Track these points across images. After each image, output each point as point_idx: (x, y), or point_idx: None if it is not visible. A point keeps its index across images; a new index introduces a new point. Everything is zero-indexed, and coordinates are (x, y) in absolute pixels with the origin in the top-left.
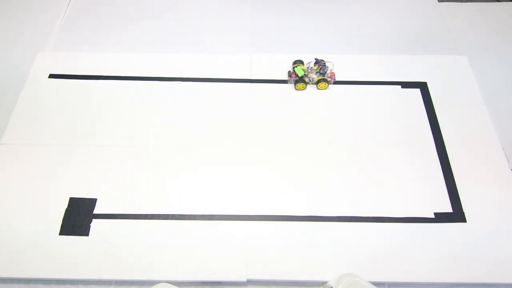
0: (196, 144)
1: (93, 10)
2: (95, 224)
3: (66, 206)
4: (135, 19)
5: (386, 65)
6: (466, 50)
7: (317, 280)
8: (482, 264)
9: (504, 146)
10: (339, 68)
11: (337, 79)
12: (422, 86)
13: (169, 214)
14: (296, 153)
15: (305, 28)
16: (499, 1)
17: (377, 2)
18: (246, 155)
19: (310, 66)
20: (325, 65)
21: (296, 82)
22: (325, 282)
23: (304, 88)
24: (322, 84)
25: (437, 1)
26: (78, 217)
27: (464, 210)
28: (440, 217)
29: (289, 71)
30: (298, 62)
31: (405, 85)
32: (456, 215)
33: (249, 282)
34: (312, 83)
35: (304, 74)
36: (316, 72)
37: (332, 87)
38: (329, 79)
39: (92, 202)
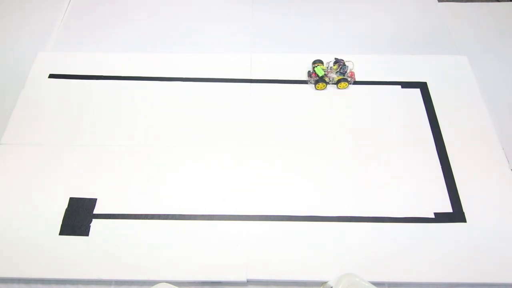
0: (196, 144)
1: (93, 10)
2: (95, 224)
3: (66, 206)
4: (135, 19)
5: (386, 65)
6: (466, 50)
7: (317, 280)
8: (482, 264)
9: (504, 146)
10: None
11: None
12: (422, 86)
13: (169, 214)
14: (296, 153)
15: (305, 28)
16: (499, 1)
17: (377, 2)
18: (246, 155)
19: (330, 65)
20: (345, 65)
21: (316, 82)
22: (325, 282)
23: (324, 88)
24: (342, 84)
25: (437, 1)
26: (78, 217)
27: (464, 210)
28: (440, 217)
29: (308, 71)
30: (318, 62)
31: (405, 85)
32: (456, 215)
33: (249, 282)
34: (332, 83)
35: (324, 74)
36: (336, 72)
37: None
38: (349, 79)
39: (92, 202)
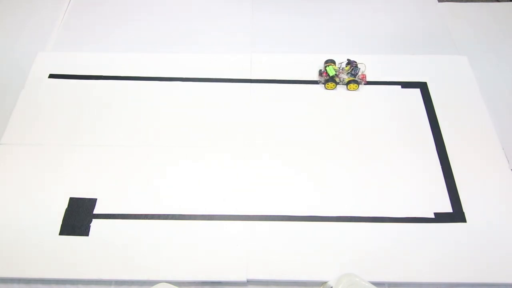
0: (196, 144)
1: (93, 10)
2: (95, 224)
3: (66, 206)
4: (135, 19)
5: (386, 65)
6: (466, 50)
7: (317, 280)
8: (482, 264)
9: (504, 146)
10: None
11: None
12: (422, 86)
13: (169, 214)
14: (296, 153)
15: (305, 28)
16: (499, 1)
17: (377, 2)
18: (246, 155)
19: (342, 66)
20: (357, 67)
21: (326, 82)
22: (325, 282)
23: (334, 88)
24: (352, 85)
25: (437, 1)
26: (78, 217)
27: (464, 210)
28: (440, 217)
29: (320, 70)
30: (330, 62)
31: (405, 85)
32: (456, 215)
33: (249, 282)
34: (342, 84)
35: (335, 74)
36: (348, 73)
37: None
38: (359, 81)
39: (92, 202)
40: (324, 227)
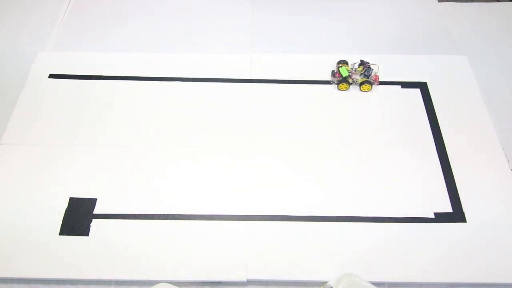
0: (196, 144)
1: (93, 10)
2: (95, 224)
3: (66, 206)
4: (135, 19)
5: (386, 65)
6: (466, 50)
7: (317, 280)
8: (482, 264)
9: (504, 146)
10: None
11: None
12: (422, 86)
13: (169, 214)
14: (296, 153)
15: (305, 28)
16: (499, 1)
17: (377, 2)
18: (246, 155)
19: (355, 67)
20: (370, 67)
21: (339, 82)
22: (325, 282)
23: (347, 89)
24: (365, 86)
25: (437, 1)
26: (78, 217)
27: (464, 210)
28: (440, 217)
29: (332, 71)
30: (343, 62)
31: (405, 85)
32: (456, 215)
33: (249, 282)
34: (355, 84)
35: (349, 75)
36: (361, 74)
37: (331, 86)
38: (373, 81)
39: (92, 202)
40: (324, 227)
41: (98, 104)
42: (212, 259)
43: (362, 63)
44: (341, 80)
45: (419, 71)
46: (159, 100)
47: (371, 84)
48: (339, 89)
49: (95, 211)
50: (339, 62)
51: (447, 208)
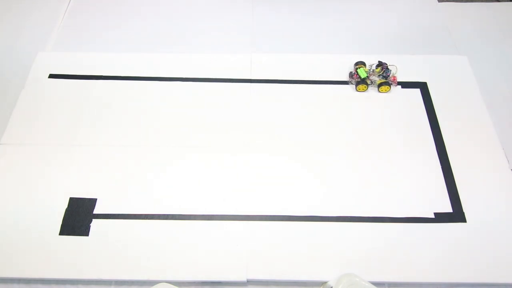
0: (196, 144)
1: (93, 10)
2: (95, 224)
3: (66, 206)
4: (135, 19)
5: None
6: (466, 50)
7: (317, 280)
8: (482, 264)
9: (504, 146)
10: (339, 68)
11: (337, 79)
12: (422, 86)
13: (169, 214)
14: (296, 153)
15: (305, 28)
16: (499, 1)
17: (377, 2)
18: (246, 155)
19: (372, 68)
20: (388, 68)
21: (357, 84)
22: (325, 282)
23: (365, 90)
24: (384, 88)
25: (437, 1)
26: (78, 217)
27: (464, 210)
28: (440, 217)
29: (350, 72)
30: (360, 64)
31: (405, 85)
32: (456, 215)
33: (249, 282)
34: (374, 86)
35: (367, 76)
36: (379, 75)
37: (331, 86)
38: (391, 82)
39: (92, 202)
40: (324, 227)
41: (98, 104)
42: (212, 259)
43: (380, 64)
44: (359, 81)
45: (419, 71)
46: (159, 100)
47: (389, 85)
48: (357, 90)
49: (95, 211)
50: (356, 63)
51: (447, 208)
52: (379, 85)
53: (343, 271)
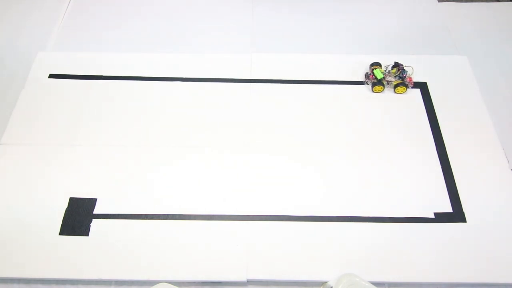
0: (196, 144)
1: (93, 10)
2: (95, 224)
3: (66, 206)
4: (135, 19)
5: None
6: (466, 50)
7: (317, 280)
8: (482, 264)
9: (504, 146)
10: (338, 68)
11: (337, 79)
12: (422, 86)
13: (169, 214)
14: (296, 153)
15: (305, 28)
16: (499, 1)
17: (377, 2)
18: (246, 155)
19: (388, 69)
20: (404, 69)
21: (374, 85)
22: (325, 282)
23: (382, 91)
24: (400, 88)
25: (437, 1)
26: (78, 217)
27: (464, 210)
28: (440, 217)
29: (366, 73)
30: (376, 65)
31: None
32: (456, 215)
33: (249, 282)
34: (390, 87)
35: (383, 77)
36: (395, 76)
37: (331, 86)
38: (407, 83)
39: (92, 202)
40: (324, 227)
41: (98, 104)
42: (212, 259)
43: (397, 65)
44: (375, 82)
45: (419, 71)
46: (159, 100)
47: (406, 86)
48: (374, 91)
49: (95, 211)
50: (372, 64)
51: (447, 208)
52: (395, 86)
53: (343, 271)
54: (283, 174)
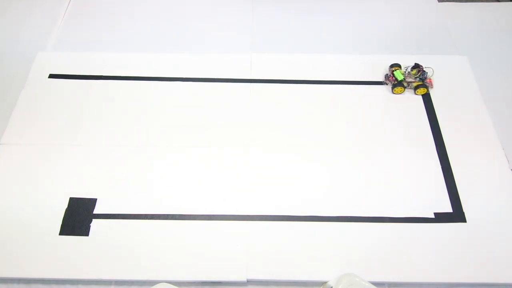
0: (196, 144)
1: (93, 10)
2: (95, 224)
3: (66, 206)
4: (135, 19)
5: (386, 65)
6: (466, 50)
7: (317, 280)
8: (482, 264)
9: (504, 146)
10: (338, 68)
11: (336, 79)
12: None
13: (169, 214)
14: (296, 153)
15: (305, 28)
16: (499, 1)
17: (377, 2)
18: (246, 155)
19: (408, 70)
20: (424, 71)
21: (394, 86)
22: (325, 282)
23: (402, 92)
24: (420, 90)
25: (437, 1)
26: (78, 217)
27: (464, 210)
28: (440, 217)
29: (386, 74)
30: (396, 66)
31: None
32: (456, 215)
33: (249, 282)
34: (410, 88)
35: (403, 78)
36: (415, 77)
37: (331, 87)
38: (427, 85)
39: (92, 202)
40: (324, 227)
41: (98, 104)
42: (212, 259)
43: (417, 66)
44: (396, 83)
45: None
46: (159, 100)
47: (426, 87)
48: (394, 93)
49: (95, 211)
50: (392, 66)
51: (447, 208)
52: (416, 87)
53: (343, 271)
54: (283, 174)
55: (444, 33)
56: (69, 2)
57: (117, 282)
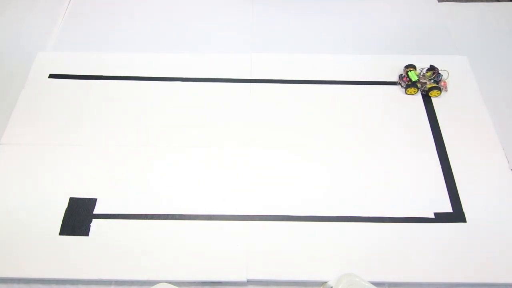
0: (196, 144)
1: (93, 10)
2: (95, 224)
3: (66, 206)
4: (135, 19)
5: (386, 65)
6: (466, 50)
7: (317, 280)
8: (482, 264)
9: (504, 146)
10: (338, 68)
11: (336, 79)
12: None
13: (169, 214)
14: (296, 153)
15: (305, 28)
16: (499, 1)
17: (377, 2)
18: (246, 155)
19: (423, 72)
20: (439, 73)
21: (408, 87)
22: (325, 282)
23: (415, 93)
24: (434, 92)
25: (437, 1)
26: (78, 217)
27: (464, 210)
28: (440, 217)
29: (400, 75)
30: (410, 67)
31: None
32: (456, 215)
33: (249, 282)
34: (424, 89)
35: (417, 79)
36: (430, 79)
37: (331, 87)
38: (442, 87)
39: (92, 202)
40: (324, 227)
41: (98, 104)
42: (212, 259)
43: (432, 68)
44: (409, 84)
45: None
46: (159, 100)
47: (440, 90)
48: (407, 93)
49: (95, 211)
50: (406, 66)
51: (447, 208)
52: (430, 90)
53: (343, 271)
54: (283, 174)
55: (444, 33)
56: (69, 2)
57: (117, 282)
